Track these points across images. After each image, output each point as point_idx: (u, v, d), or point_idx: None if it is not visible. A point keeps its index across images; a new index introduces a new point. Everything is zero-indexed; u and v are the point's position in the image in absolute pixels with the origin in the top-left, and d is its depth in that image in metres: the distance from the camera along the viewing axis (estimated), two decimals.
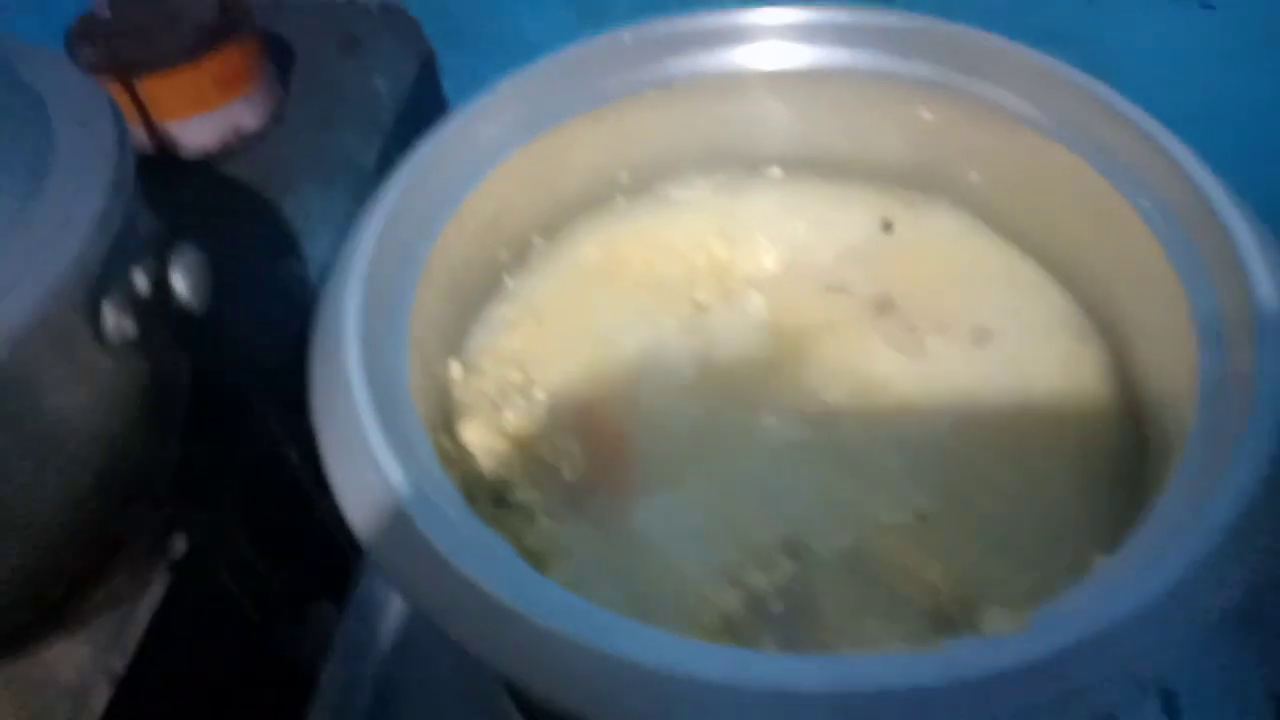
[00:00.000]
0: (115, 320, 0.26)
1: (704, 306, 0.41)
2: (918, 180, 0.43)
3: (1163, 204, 0.33)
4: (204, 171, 0.47)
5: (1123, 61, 0.45)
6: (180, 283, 0.27)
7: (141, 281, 0.27)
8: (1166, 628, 0.23)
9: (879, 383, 0.38)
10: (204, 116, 0.46)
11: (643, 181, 0.45)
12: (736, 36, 0.41)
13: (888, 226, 0.43)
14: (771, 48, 0.41)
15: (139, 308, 0.27)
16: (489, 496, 0.35)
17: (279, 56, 0.52)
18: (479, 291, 0.41)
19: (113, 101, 0.29)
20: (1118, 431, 0.35)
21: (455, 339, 0.40)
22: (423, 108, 0.57)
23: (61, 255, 0.25)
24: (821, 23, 0.40)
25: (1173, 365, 0.32)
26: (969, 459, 0.35)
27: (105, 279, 0.26)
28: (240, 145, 0.48)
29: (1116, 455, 0.34)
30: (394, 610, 0.42)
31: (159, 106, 0.45)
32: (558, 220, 0.44)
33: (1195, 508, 0.25)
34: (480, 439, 0.36)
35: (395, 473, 0.28)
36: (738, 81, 0.42)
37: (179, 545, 0.33)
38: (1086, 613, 0.23)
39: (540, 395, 0.38)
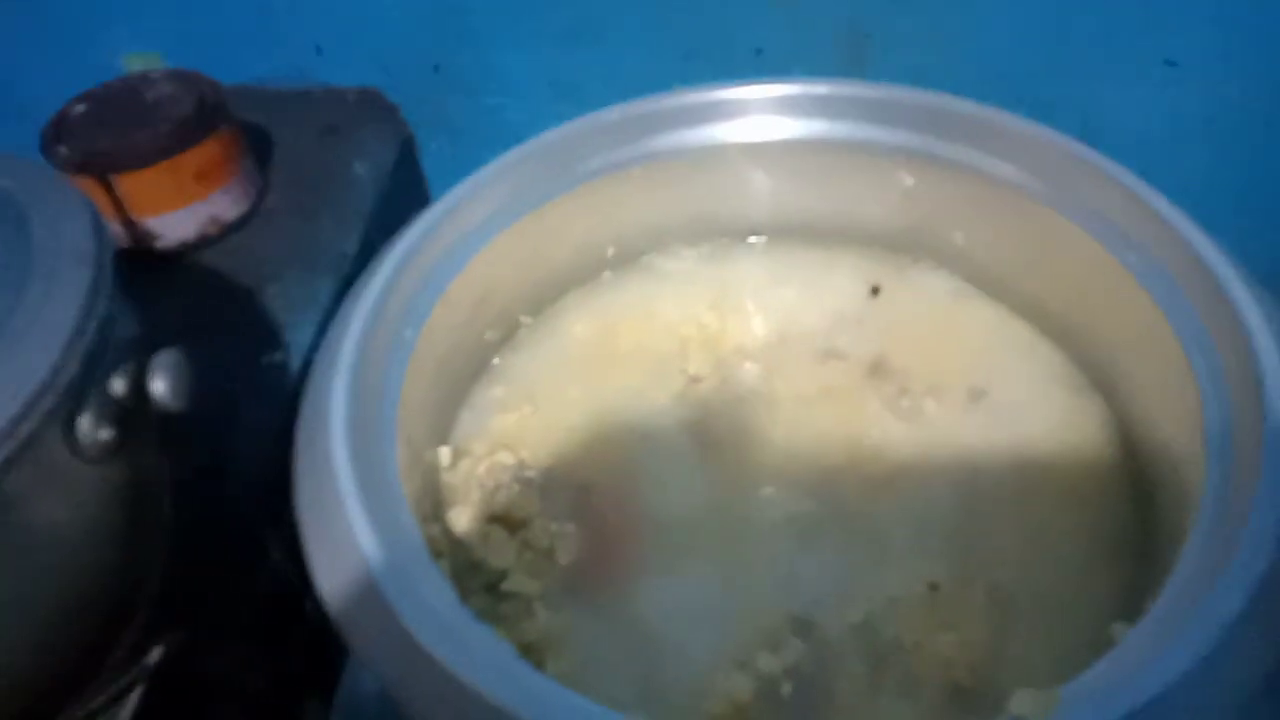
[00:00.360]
0: (93, 429, 0.25)
1: (697, 378, 0.40)
2: (903, 244, 0.43)
3: (1154, 263, 0.33)
4: (183, 264, 0.46)
5: (1103, 125, 0.47)
6: (160, 385, 0.26)
7: (120, 386, 0.26)
8: (1200, 702, 0.22)
9: (878, 449, 0.37)
10: (183, 210, 0.46)
11: (629, 255, 0.45)
12: (718, 112, 0.42)
13: (876, 290, 0.42)
14: (752, 121, 0.42)
15: (117, 414, 0.26)
16: (483, 586, 0.34)
17: (256, 145, 0.52)
18: (467, 374, 0.41)
19: (90, 203, 0.29)
20: (1122, 489, 0.34)
21: (444, 424, 0.39)
22: (404, 192, 0.57)
23: (37, 368, 0.24)
24: (800, 95, 0.41)
25: (1175, 422, 0.31)
26: (975, 524, 0.34)
27: (83, 387, 0.25)
28: (219, 236, 0.48)
29: (1123, 514, 0.34)
30: (383, 705, 0.40)
31: (137, 202, 0.44)
32: (545, 298, 0.44)
33: (1216, 570, 0.24)
34: (472, 526, 0.35)
35: (381, 566, 0.27)
36: (720, 154, 0.42)
37: (156, 653, 0.31)
38: (1119, 689, 0.22)
39: (533, 476, 0.37)
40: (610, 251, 0.45)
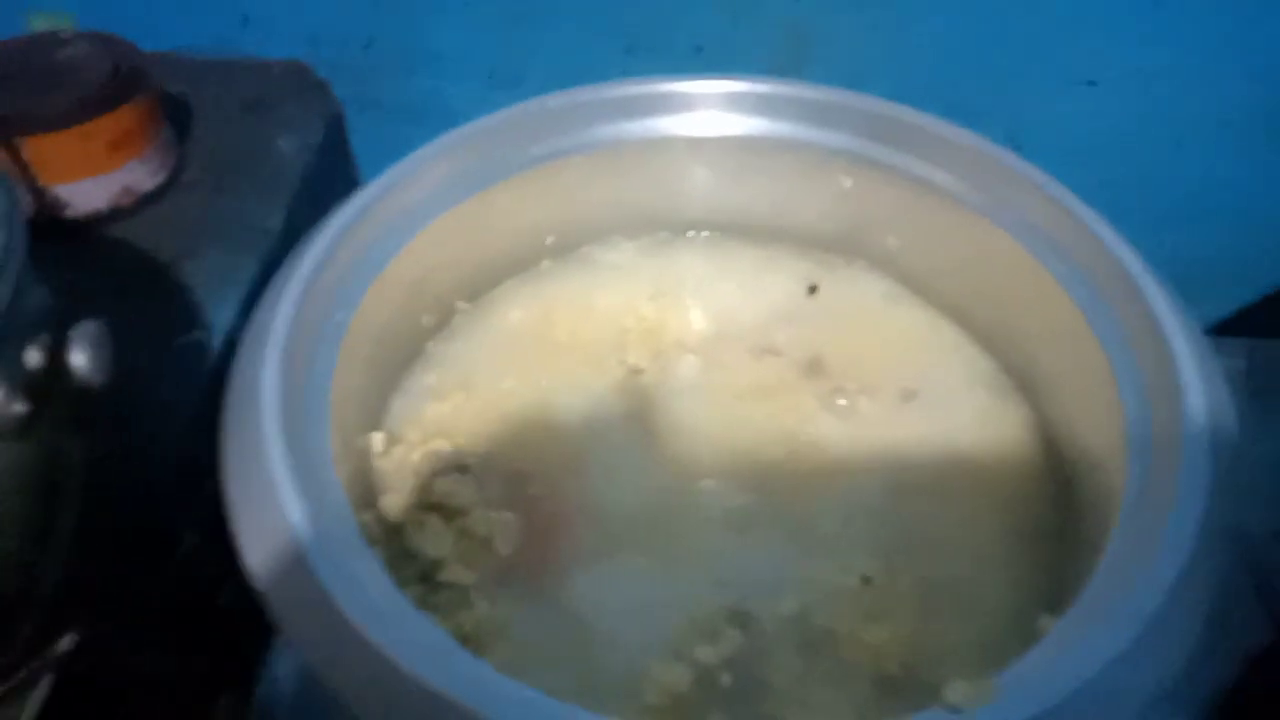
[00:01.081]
0: (4, 402, 0.23)
1: (636, 369, 0.40)
2: (839, 244, 0.44)
3: (1078, 269, 0.35)
4: (94, 235, 0.44)
5: (1032, 136, 0.48)
6: (80, 358, 0.25)
7: (34, 358, 0.25)
8: (1126, 686, 0.23)
9: (813, 444, 0.38)
10: (94, 179, 0.43)
11: (568, 244, 0.45)
12: (662, 104, 0.41)
13: (813, 289, 0.43)
14: (696, 116, 0.42)
15: (30, 386, 0.24)
16: (417, 576, 0.33)
17: (175, 115, 0.49)
18: (400, 360, 0.40)
19: None
20: (1044, 487, 0.36)
21: (376, 410, 0.38)
22: (331, 171, 0.55)
23: None
24: (744, 93, 0.41)
25: (1097, 425, 0.33)
26: (905, 519, 0.35)
27: None
28: (133, 207, 0.45)
29: (1045, 512, 0.35)
30: (305, 699, 0.39)
31: (45, 169, 0.42)
32: (482, 284, 0.43)
33: (1139, 566, 0.25)
34: (407, 514, 0.34)
35: (315, 551, 0.26)
36: (663, 147, 0.42)
37: (65, 642, 0.30)
38: (1050, 678, 0.23)
39: (469, 464, 0.37)
40: (549, 240, 0.44)
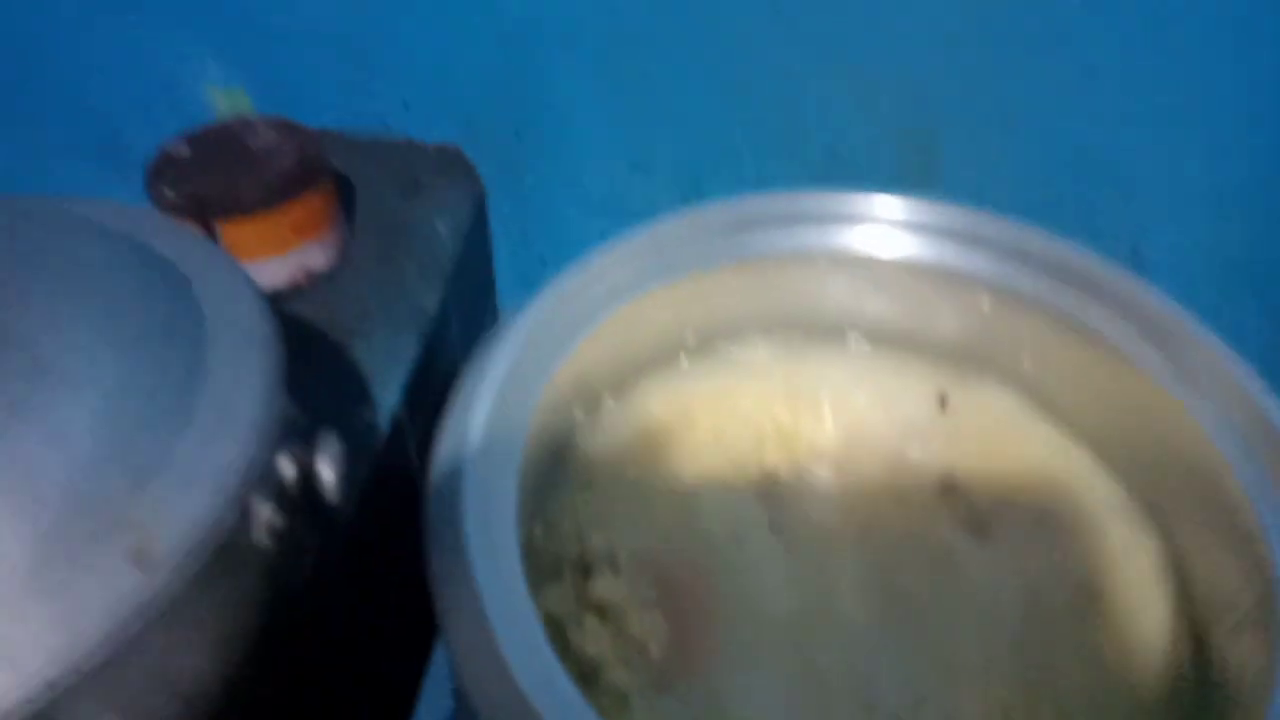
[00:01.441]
0: (267, 516, 0.26)
1: (773, 474, 0.42)
2: (972, 359, 0.45)
3: (1225, 417, 0.36)
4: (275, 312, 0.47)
5: (1155, 250, 0.49)
6: (326, 471, 0.28)
7: (288, 471, 0.28)
8: None
9: (950, 564, 0.39)
10: (278, 258, 0.47)
11: (707, 342, 0.47)
12: (811, 218, 0.44)
13: (944, 401, 0.45)
14: (842, 230, 0.44)
15: (284, 501, 0.27)
16: (579, 675, 0.35)
17: (342, 194, 0.53)
18: (556, 453, 0.42)
19: (249, 278, 0.30)
20: (1179, 626, 0.37)
21: (539, 502, 0.40)
22: (476, 251, 0.58)
23: (226, 452, 0.25)
24: (889, 210, 0.43)
25: (1238, 575, 0.34)
26: (1043, 649, 0.36)
27: (264, 475, 0.26)
28: (308, 285, 0.49)
29: (1180, 653, 0.36)
30: None
31: (236, 248, 0.45)
32: (627, 379, 0.46)
33: None
34: (564, 609, 0.37)
35: (511, 650, 0.28)
36: (807, 259, 0.44)
37: None
38: None
39: (620, 560, 0.39)
40: (690, 338, 0.46)
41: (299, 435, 0.29)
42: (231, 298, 0.29)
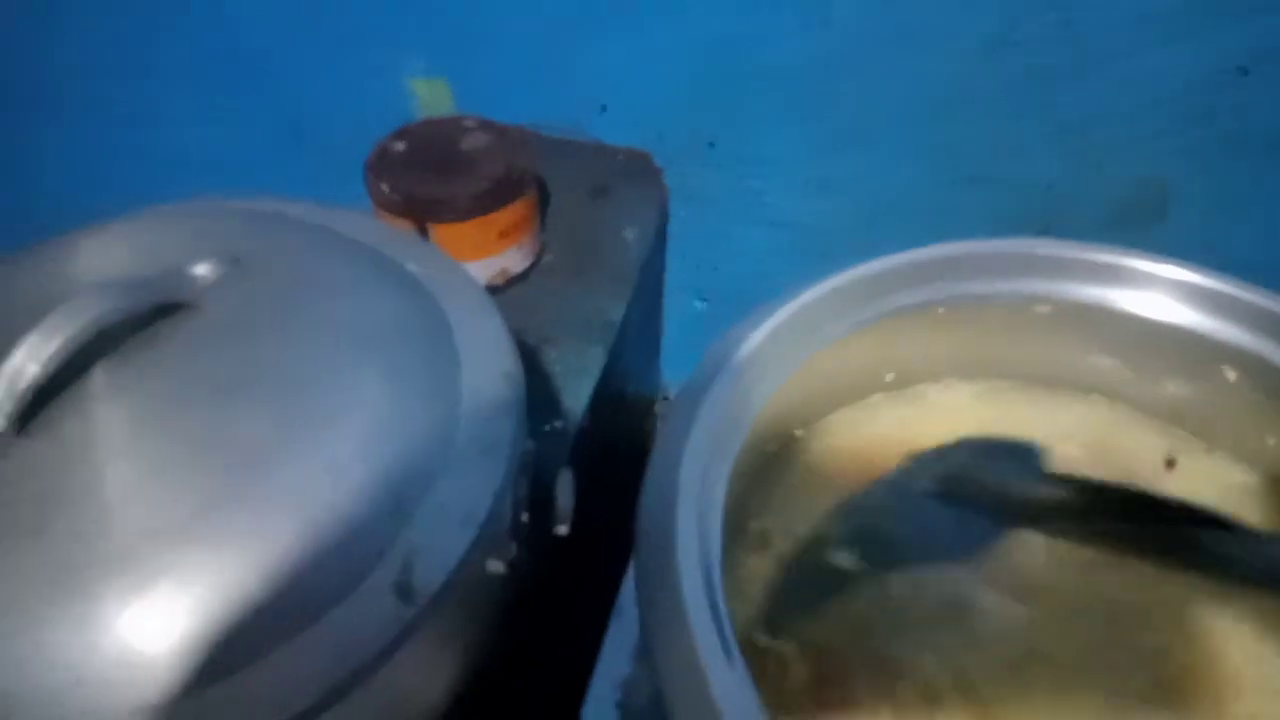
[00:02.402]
0: (506, 547, 0.26)
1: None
2: (1205, 429, 0.42)
3: None
4: None
5: None
6: (564, 505, 0.27)
7: (523, 504, 0.28)
8: None
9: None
10: (482, 261, 0.47)
11: (905, 381, 0.45)
12: (1032, 268, 0.41)
13: (1171, 464, 0.42)
14: (1064, 282, 0.41)
15: (520, 529, 0.27)
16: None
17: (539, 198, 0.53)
18: (752, 483, 0.41)
19: (497, 313, 0.30)
20: None
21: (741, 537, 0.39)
22: (655, 257, 0.58)
23: (482, 486, 0.25)
24: (1124, 267, 0.40)
25: None
26: None
27: (511, 505, 0.26)
28: (504, 287, 0.49)
29: None
30: None
31: (445, 249, 0.46)
32: (817, 413, 0.44)
33: None
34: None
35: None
36: (1024, 310, 0.42)
37: None
38: None
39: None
40: (889, 377, 0.45)
41: (532, 464, 0.29)
42: (480, 325, 0.30)
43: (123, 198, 0.34)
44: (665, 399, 0.77)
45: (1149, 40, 0.45)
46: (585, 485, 0.45)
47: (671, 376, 0.74)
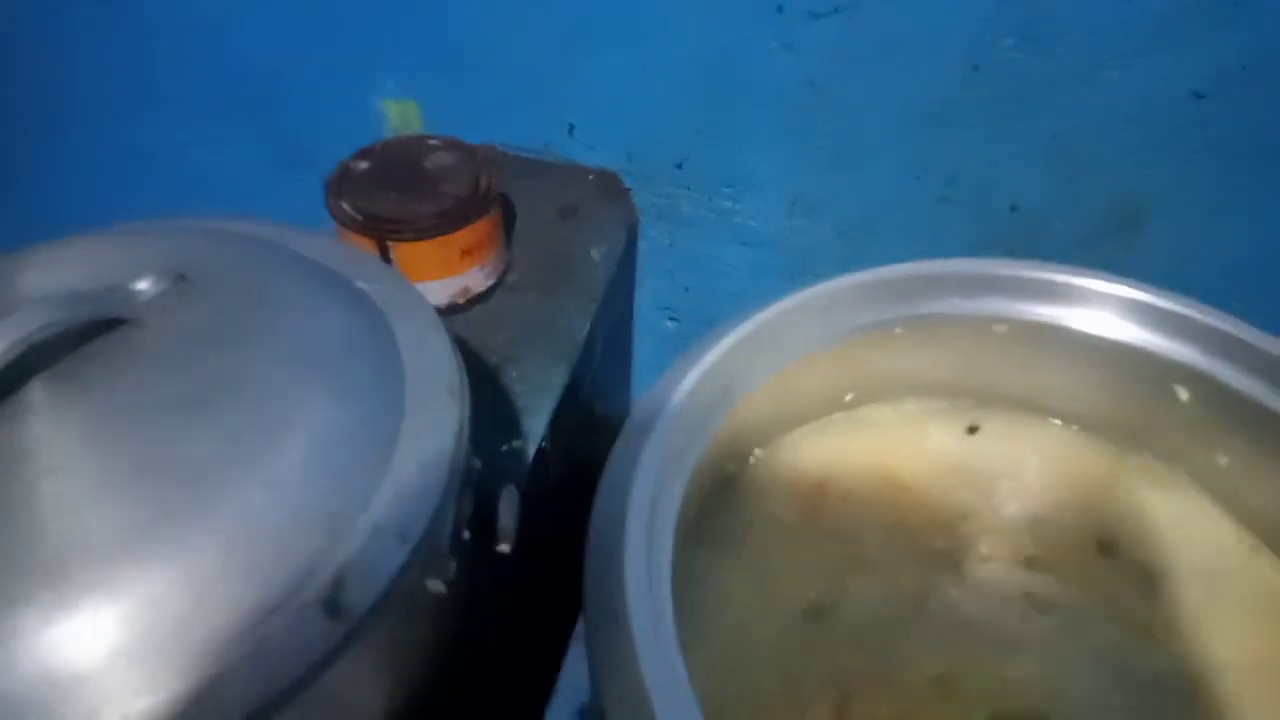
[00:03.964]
0: (445, 563, 0.26)
1: (943, 552, 0.40)
2: (1157, 449, 0.42)
3: None
4: None
5: None
6: (506, 520, 0.27)
7: (465, 516, 0.27)
8: None
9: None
10: (443, 280, 0.47)
11: (863, 400, 0.45)
12: (992, 288, 0.42)
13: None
14: (1025, 303, 0.42)
15: (460, 547, 0.27)
16: None
17: (504, 216, 0.53)
18: (707, 504, 0.41)
19: (442, 325, 0.30)
20: None
21: (692, 554, 0.39)
22: (623, 278, 0.58)
23: (419, 504, 0.25)
24: (1085, 285, 0.41)
25: None
26: None
27: (449, 522, 0.26)
28: (466, 306, 0.49)
29: None
30: None
31: (406, 267, 0.46)
32: (776, 432, 0.44)
33: None
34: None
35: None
36: (983, 330, 0.42)
37: None
38: None
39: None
40: (848, 397, 0.45)
41: (476, 481, 0.29)
42: (426, 343, 0.30)
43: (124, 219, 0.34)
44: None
45: (1112, 60, 0.46)
46: (545, 505, 0.45)
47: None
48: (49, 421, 0.24)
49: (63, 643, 0.21)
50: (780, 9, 0.48)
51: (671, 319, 0.66)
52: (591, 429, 0.60)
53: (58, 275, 0.28)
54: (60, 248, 0.29)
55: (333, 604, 0.23)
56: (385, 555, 0.24)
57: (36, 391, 0.25)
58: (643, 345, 0.69)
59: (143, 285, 0.27)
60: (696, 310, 0.65)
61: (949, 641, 0.37)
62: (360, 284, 0.31)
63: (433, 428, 0.27)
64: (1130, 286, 0.40)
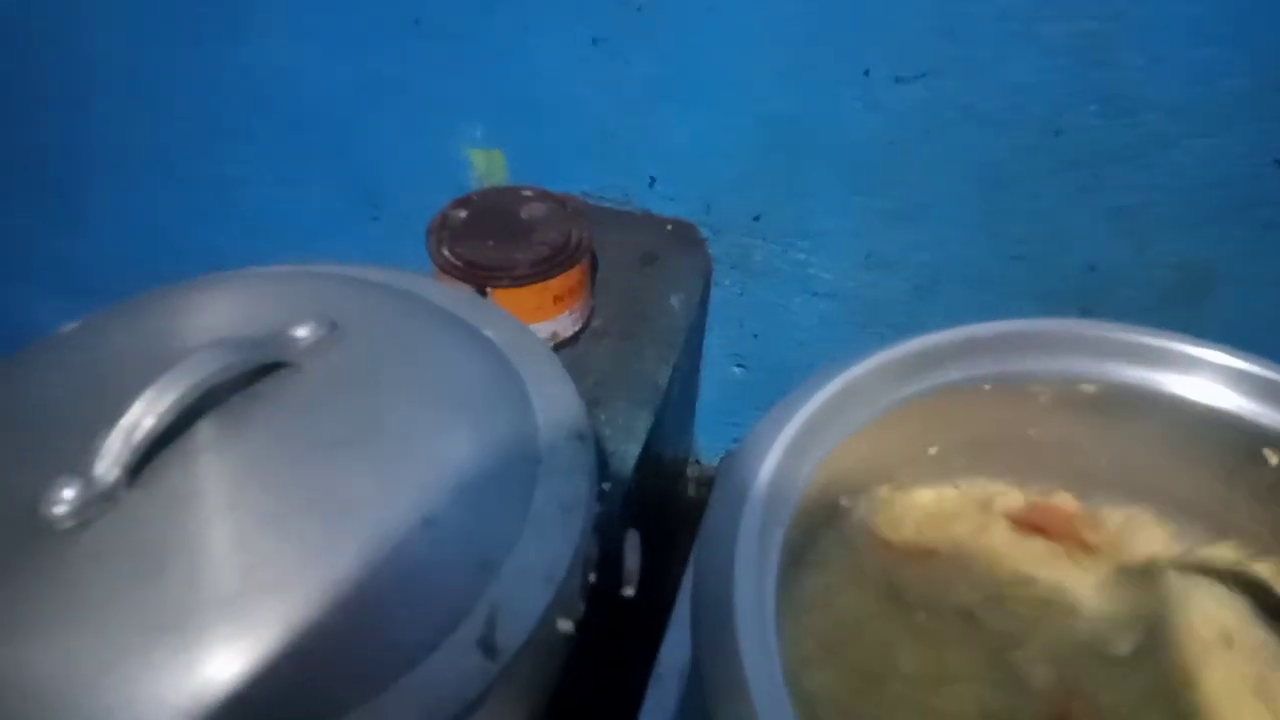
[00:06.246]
0: (576, 604, 0.27)
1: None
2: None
3: None
4: None
5: None
6: (631, 561, 0.28)
7: (592, 563, 0.29)
8: None
9: None
10: (537, 324, 0.49)
11: (946, 455, 0.46)
12: (1078, 347, 0.42)
13: None
14: (1112, 364, 0.42)
15: (586, 590, 0.28)
16: None
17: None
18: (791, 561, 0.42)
19: (569, 380, 0.31)
20: None
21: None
22: (698, 323, 0.60)
23: (561, 547, 0.26)
24: (1164, 347, 0.41)
25: None
26: None
27: (585, 565, 0.27)
28: (555, 350, 0.51)
29: None
30: None
31: None
32: (861, 485, 0.45)
33: None
34: None
35: None
36: (1068, 390, 0.43)
37: None
38: None
39: None
40: (932, 451, 0.46)
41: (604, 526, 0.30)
42: (553, 389, 0.31)
43: (199, 261, 0.36)
44: (696, 462, 0.78)
45: (1190, 131, 0.47)
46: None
47: (704, 441, 0.75)
48: (219, 460, 0.26)
49: (243, 672, 0.22)
50: (867, 72, 0.50)
51: (739, 365, 0.68)
52: (662, 471, 0.61)
53: (217, 317, 0.30)
54: (213, 288, 0.31)
55: (487, 642, 0.24)
56: (533, 595, 0.25)
57: (204, 430, 0.26)
58: (708, 390, 0.70)
59: (301, 332, 0.28)
60: (763, 358, 0.67)
61: None
62: (487, 331, 0.32)
63: (567, 471, 0.28)
64: (1219, 350, 0.41)
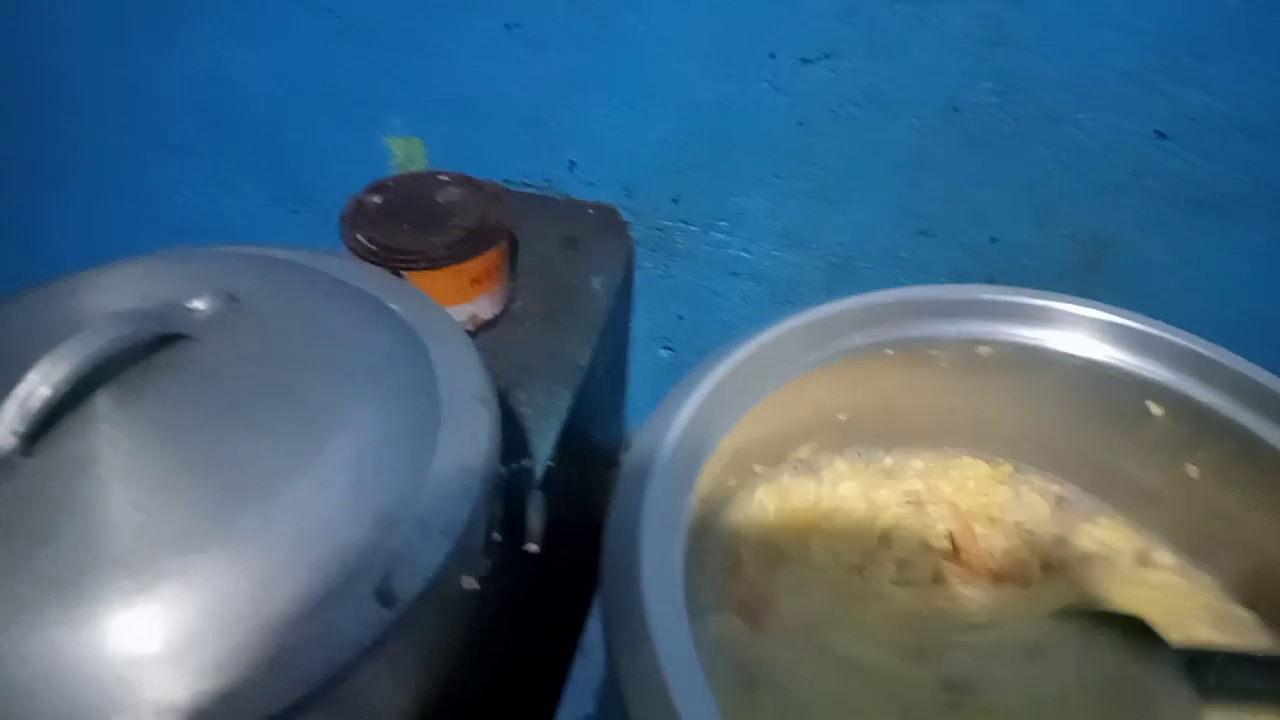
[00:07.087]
0: (480, 560, 0.28)
1: (906, 581, 0.42)
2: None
3: None
4: None
5: None
6: (535, 520, 0.29)
7: (498, 519, 0.29)
8: None
9: None
10: (454, 308, 0.49)
11: (857, 420, 0.48)
12: (976, 311, 0.44)
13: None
14: (1003, 325, 0.44)
15: (492, 547, 0.29)
16: None
17: (510, 248, 0.56)
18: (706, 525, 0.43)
19: (470, 340, 0.32)
20: None
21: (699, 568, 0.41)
22: (621, 306, 0.61)
23: (459, 504, 0.27)
24: (1055, 309, 0.44)
25: None
26: None
27: (484, 521, 0.28)
28: (473, 333, 0.51)
29: None
30: None
31: None
32: (777, 451, 0.47)
33: None
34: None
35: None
36: (967, 350, 0.45)
37: None
38: None
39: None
40: (842, 417, 0.47)
41: (505, 485, 0.31)
42: (456, 356, 0.32)
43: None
44: (630, 448, 0.79)
45: (1079, 105, 0.50)
46: (548, 525, 0.47)
47: (636, 425, 0.76)
48: (116, 428, 0.26)
49: (142, 624, 0.22)
50: (773, 54, 0.52)
51: (666, 348, 0.69)
52: (590, 455, 0.62)
53: (117, 295, 0.30)
54: (116, 270, 0.31)
55: (385, 593, 0.25)
56: (430, 549, 0.26)
57: (103, 401, 0.27)
58: (637, 374, 0.71)
59: (198, 304, 0.29)
60: (690, 340, 0.68)
61: None
62: (392, 304, 0.33)
63: (468, 433, 0.29)
64: (1101, 308, 0.43)
